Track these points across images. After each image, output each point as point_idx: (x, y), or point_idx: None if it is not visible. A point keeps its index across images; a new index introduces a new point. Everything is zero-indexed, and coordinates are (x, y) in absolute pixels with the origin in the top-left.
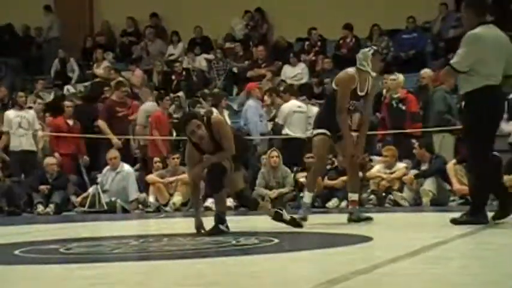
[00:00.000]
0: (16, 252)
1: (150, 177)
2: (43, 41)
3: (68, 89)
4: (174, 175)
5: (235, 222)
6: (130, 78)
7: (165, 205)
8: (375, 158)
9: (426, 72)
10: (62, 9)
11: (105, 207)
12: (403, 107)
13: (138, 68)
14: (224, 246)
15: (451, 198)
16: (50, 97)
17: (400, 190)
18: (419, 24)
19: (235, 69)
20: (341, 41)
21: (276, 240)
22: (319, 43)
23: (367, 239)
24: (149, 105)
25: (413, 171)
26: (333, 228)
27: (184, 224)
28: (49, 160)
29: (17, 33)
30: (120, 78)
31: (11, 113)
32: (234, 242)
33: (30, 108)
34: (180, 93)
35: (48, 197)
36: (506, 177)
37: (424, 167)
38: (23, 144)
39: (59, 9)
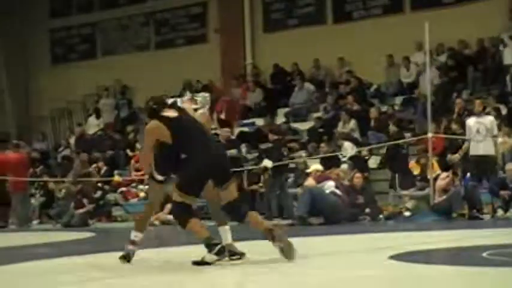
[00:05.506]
0: (483, 254)
1: None
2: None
3: None
4: None
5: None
6: None
7: None
8: None
9: None
10: None
11: None
12: None
13: None
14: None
15: None
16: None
17: None
18: None
19: None
20: None
21: None
22: None
23: None
24: None
25: None
26: None
27: None
28: (510, 166)
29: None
30: None
31: (471, 121)
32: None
33: (487, 114)
34: None
35: (508, 202)
36: None
37: None
38: (481, 149)
39: None
